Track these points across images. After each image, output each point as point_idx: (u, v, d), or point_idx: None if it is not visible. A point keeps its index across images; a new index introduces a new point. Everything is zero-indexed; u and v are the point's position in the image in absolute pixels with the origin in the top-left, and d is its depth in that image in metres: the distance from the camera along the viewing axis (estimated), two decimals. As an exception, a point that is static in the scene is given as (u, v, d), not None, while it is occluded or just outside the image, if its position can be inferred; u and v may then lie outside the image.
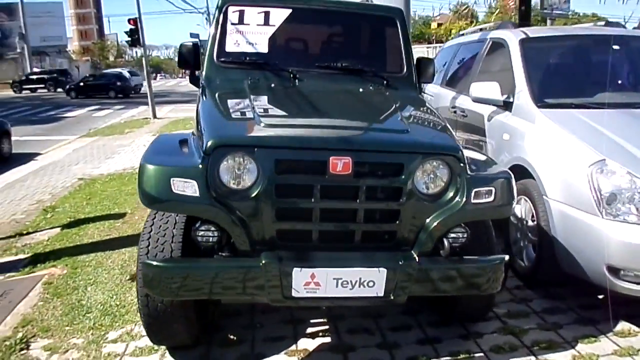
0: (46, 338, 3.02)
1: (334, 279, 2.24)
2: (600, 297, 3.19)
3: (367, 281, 2.26)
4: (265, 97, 3.02)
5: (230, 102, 2.91)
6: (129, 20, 15.94)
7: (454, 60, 5.86)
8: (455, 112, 4.99)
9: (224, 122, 2.63)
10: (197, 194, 2.20)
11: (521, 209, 3.47)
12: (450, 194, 2.37)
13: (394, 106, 2.92)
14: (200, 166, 2.23)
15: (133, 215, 5.46)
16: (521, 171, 3.43)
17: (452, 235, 2.42)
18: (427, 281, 2.33)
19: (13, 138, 11.41)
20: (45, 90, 36.70)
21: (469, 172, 2.38)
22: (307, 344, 2.79)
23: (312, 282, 2.23)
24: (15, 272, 4.11)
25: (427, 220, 2.35)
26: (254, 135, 2.34)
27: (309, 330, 2.93)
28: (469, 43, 5.48)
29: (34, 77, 38.28)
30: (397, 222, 2.35)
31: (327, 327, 2.96)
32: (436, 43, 31.87)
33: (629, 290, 2.73)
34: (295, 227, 2.32)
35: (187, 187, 2.20)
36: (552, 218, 3.04)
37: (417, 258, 2.32)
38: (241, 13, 3.45)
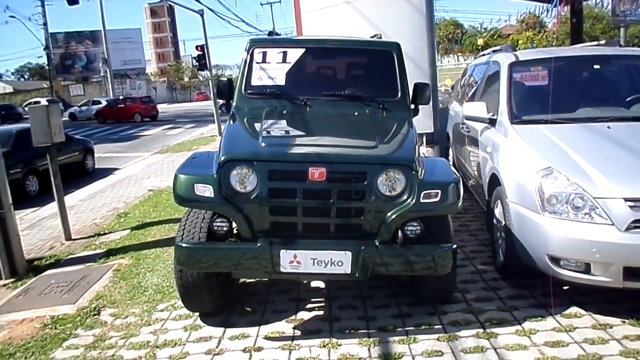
0: (112, 308, 3.98)
1: (311, 258, 3.00)
2: (565, 287, 3.68)
3: (337, 261, 3.00)
4: (274, 122, 3.80)
5: (246, 126, 3.75)
6: (196, 47, 17.53)
7: (470, 79, 6.44)
8: (462, 128, 5.58)
9: (235, 142, 3.46)
10: (213, 195, 3.04)
11: (498, 212, 4.04)
12: (405, 196, 3.05)
13: (376, 126, 3.61)
14: (215, 175, 3.07)
15: (188, 220, 6.45)
16: (497, 179, 4.01)
17: (409, 227, 3.09)
18: (384, 263, 3.03)
19: (96, 155, 13.05)
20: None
21: (419, 178, 3.06)
22: (304, 316, 3.54)
23: (294, 260, 3.00)
24: (93, 262, 5.18)
25: (386, 216, 3.04)
26: (253, 152, 3.16)
27: (308, 306, 3.68)
28: (480, 64, 6.05)
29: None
30: (362, 217, 3.06)
31: (322, 304, 3.71)
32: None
33: (569, 277, 3.25)
34: (284, 220, 3.10)
35: (205, 190, 3.05)
36: (511, 217, 3.62)
37: (377, 245, 3.02)
38: (264, 53, 4.27)
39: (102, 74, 51.76)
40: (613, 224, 3.07)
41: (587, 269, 3.18)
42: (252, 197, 3.05)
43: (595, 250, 3.09)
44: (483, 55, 6.85)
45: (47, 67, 49.50)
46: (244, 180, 3.06)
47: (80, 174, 11.84)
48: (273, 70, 4.23)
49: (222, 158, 3.09)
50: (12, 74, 75.93)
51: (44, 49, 46.63)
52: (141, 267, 4.81)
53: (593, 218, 3.14)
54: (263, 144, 3.25)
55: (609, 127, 3.77)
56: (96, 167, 12.68)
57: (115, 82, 49.41)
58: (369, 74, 4.40)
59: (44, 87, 52.70)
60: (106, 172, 11.83)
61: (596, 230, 3.11)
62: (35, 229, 7.05)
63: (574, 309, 3.41)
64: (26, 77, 75.48)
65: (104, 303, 4.08)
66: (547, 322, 3.28)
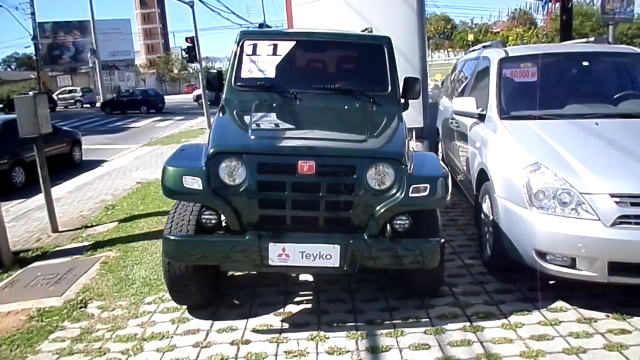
0: (99, 300, 3.95)
1: (299, 251, 2.99)
2: (551, 282, 3.71)
3: (325, 254, 3.00)
4: (264, 114, 3.78)
5: (236, 119, 3.73)
6: (186, 39, 17.39)
7: (460, 75, 6.45)
8: (452, 123, 5.60)
9: (224, 134, 3.45)
10: (201, 188, 3.03)
11: (486, 207, 4.06)
12: (394, 190, 3.05)
13: (366, 120, 3.62)
14: (204, 167, 3.05)
15: (176, 212, 6.43)
16: (485, 174, 4.03)
17: (397, 221, 3.10)
18: (372, 256, 3.04)
19: (84, 146, 12.92)
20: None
21: (408, 172, 3.06)
22: (292, 309, 3.55)
23: (283, 253, 3.00)
24: (80, 254, 5.14)
25: (375, 210, 3.05)
26: (242, 145, 3.15)
27: (297, 299, 3.69)
28: (470, 60, 6.06)
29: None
30: (351, 211, 3.06)
31: (311, 297, 3.71)
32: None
33: (555, 271, 3.28)
34: (273, 214, 3.09)
35: (194, 183, 3.04)
36: (499, 212, 3.64)
37: (366, 238, 3.03)
38: (254, 46, 4.24)
39: (90, 65, 51.08)
40: (599, 220, 3.11)
41: (573, 264, 3.21)
42: (241, 190, 3.04)
43: (581, 245, 3.12)
44: (473, 50, 6.87)
45: (34, 58, 48.74)
46: (232, 172, 3.05)
47: (68, 165, 11.71)
48: (263, 63, 4.21)
49: (211, 150, 3.08)
50: (-1, 64, 74.84)
51: (32, 39, 45.74)
52: (129, 260, 4.78)
53: (579, 213, 3.17)
54: (252, 137, 3.24)
55: (596, 124, 3.80)
56: (84, 158, 12.55)
57: (103, 74, 48.84)
58: (359, 68, 4.39)
59: (31, 78, 51.79)
60: (94, 164, 11.72)
61: (582, 225, 3.14)
62: (22, 220, 6.97)
63: (559, 303, 3.45)
64: (13, 67, 74.38)
65: (91, 295, 4.04)
66: (533, 316, 3.32)
